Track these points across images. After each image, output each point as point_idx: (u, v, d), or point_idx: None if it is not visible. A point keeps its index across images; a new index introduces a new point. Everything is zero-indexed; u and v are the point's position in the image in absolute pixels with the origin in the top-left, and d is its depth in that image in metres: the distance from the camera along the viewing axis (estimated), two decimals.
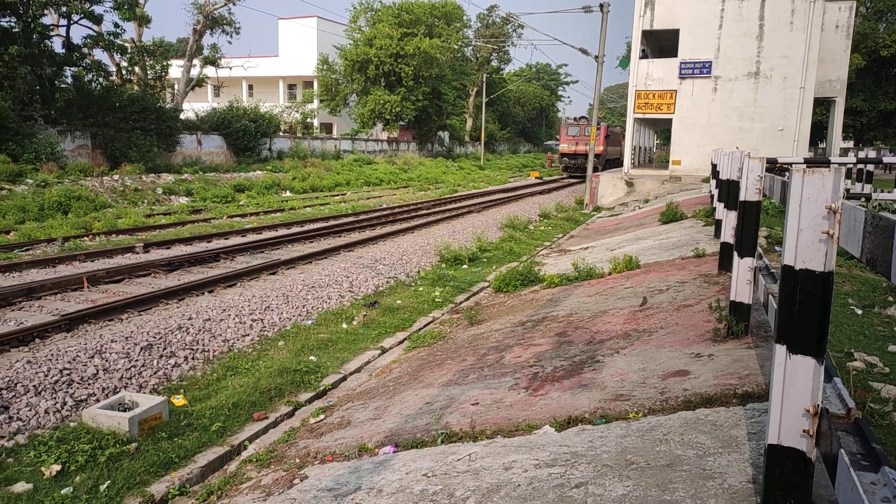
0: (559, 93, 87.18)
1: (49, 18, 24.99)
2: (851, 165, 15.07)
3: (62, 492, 4.45)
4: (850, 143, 50.24)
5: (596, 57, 24.86)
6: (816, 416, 2.29)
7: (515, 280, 9.93)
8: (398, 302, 9.83)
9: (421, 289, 10.74)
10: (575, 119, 47.11)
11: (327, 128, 52.78)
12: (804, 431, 2.31)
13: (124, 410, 5.40)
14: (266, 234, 15.44)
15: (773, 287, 4.15)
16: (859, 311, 5.53)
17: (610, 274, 8.95)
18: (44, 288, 9.36)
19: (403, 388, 5.83)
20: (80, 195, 18.51)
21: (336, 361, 7.31)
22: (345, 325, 8.65)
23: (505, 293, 9.79)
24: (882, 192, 13.70)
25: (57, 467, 4.72)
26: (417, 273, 12.00)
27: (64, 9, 24.71)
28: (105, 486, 4.55)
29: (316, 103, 48.26)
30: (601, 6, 24.14)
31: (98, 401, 5.93)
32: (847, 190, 14.62)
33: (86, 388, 6.15)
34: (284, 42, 54.06)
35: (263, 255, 12.82)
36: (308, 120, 44.73)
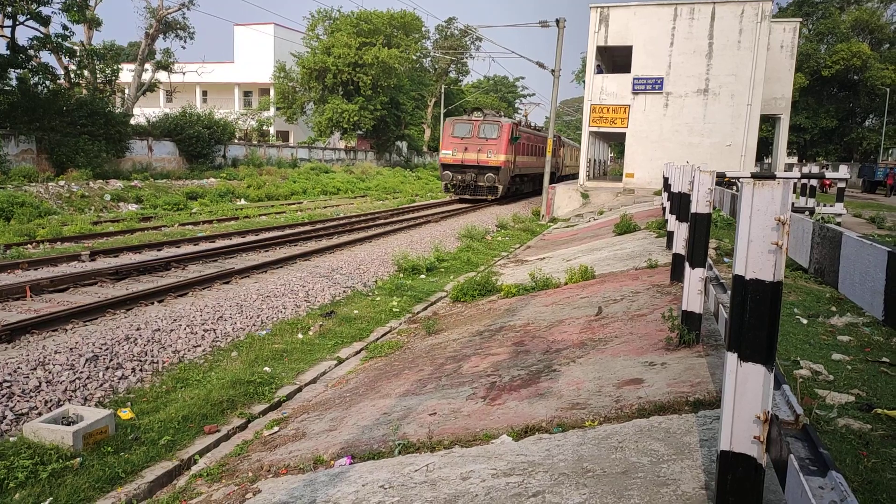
0: (516, 105, 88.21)
1: None
2: (796, 180, 15.63)
3: None
4: (794, 159, 52.20)
5: (552, 70, 25.25)
6: (767, 423, 2.34)
7: (473, 290, 9.95)
8: (355, 312, 9.74)
9: (378, 299, 10.67)
10: (467, 112, 30.93)
11: (284, 136, 52.21)
12: (755, 438, 2.36)
13: (68, 424, 5.19)
14: (219, 243, 15.13)
15: (723, 297, 4.26)
16: (805, 321, 5.71)
17: (566, 284, 9.05)
18: None
19: (360, 399, 5.77)
20: (24, 201, 17.86)
21: (291, 372, 7.18)
22: (300, 336, 8.52)
23: (463, 303, 9.81)
24: (825, 206, 14.23)
25: None
26: (375, 283, 11.92)
27: (9, 9, 23.89)
28: (47, 502, 4.36)
29: (272, 111, 47.72)
30: (557, 21, 24.55)
31: (40, 414, 5.70)
32: (791, 204, 15.13)
33: (27, 401, 5.90)
34: (240, 48, 53.39)
35: (217, 264, 12.55)
36: (264, 127, 44.19)
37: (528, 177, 33.35)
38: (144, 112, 32.32)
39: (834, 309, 6.18)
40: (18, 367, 6.34)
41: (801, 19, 34.73)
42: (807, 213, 13.42)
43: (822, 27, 50.47)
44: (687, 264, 4.90)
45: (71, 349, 6.93)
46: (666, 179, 13.36)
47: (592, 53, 27.15)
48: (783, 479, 2.15)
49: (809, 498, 1.87)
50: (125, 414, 5.80)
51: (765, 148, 42.66)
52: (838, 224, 11.39)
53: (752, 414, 2.36)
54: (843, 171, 13.92)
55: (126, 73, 32.81)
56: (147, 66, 31.62)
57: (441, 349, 6.98)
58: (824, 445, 2.15)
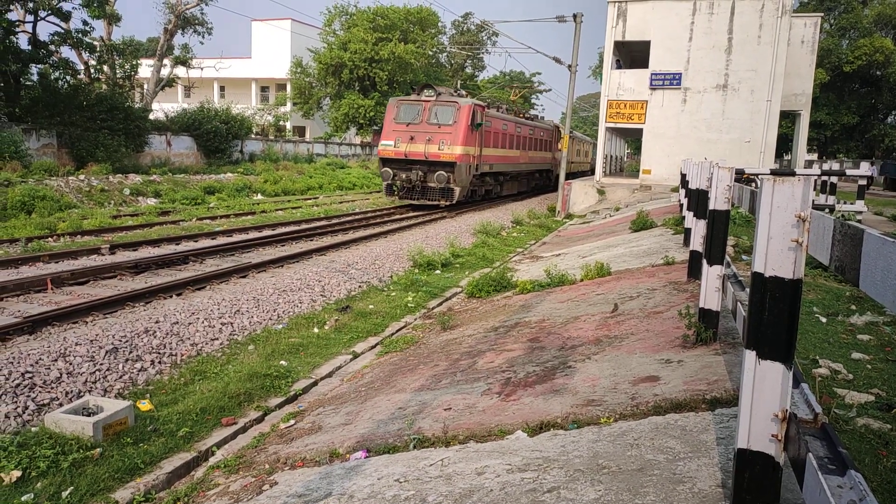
0: (532, 101, 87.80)
1: (15, 14, 24.44)
2: (816, 177, 15.45)
3: (22, 498, 4.33)
4: (815, 156, 51.55)
5: (569, 66, 25.11)
6: (785, 421, 2.33)
7: (488, 286, 9.95)
8: (370, 307, 9.78)
9: (394, 294, 10.70)
10: (415, 90, 23.18)
11: (300, 131, 52.44)
12: (773, 436, 2.35)
13: (88, 415, 5.27)
14: (237, 237, 15.25)
15: (741, 294, 4.23)
16: (824, 320, 5.65)
17: (582, 280, 9.02)
18: (6, 289, 9.11)
19: (375, 394, 5.80)
20: (45, 195, 18.09)
21: (307, 366, 7.24)
22: (316, 330, 8.58)
23: (478, 299, 9.81)
24: (845, 203, 14.05)
25: (17, 473, 4.58)
26: (390, 278, 11.96)
27: (31, 4, 24.19)
28: (68, 492, 4.43)
29: (289, 106, 47.96)
30: (575, 16, 24.40)
31: (61, 405, 5.79)
32: (812, 201, 14.96)
33: (49, 391, 6.00)
34: (257, 44, 53.69)
35: (234, 258, 12.65)
36: (281, 123, 44.44)
37: (506, 175, 27.23)
38: (163, 107, 32.64)
39: (854, 308, 6.11)
40: (40, 359, 6.44)
41: (822, 14, 34.27)
42: (827, 210, 13.27)
43: (843, 22, 49.72)
44: (704, 261, 4.87)
45: (91, 341, 7.03)
46: (683, 176, 13.26)
47: (610, 48, 26.95)
48: (801, 477, 2.14)
49: (828, 497, 1.85)
50: (144, 405, 5.88)
51: (784, 145, 42.17)
52: (859, 222, 11.25)
53: (770, 412, 2.35)
54: (865, 168, 13.74)
55: (145, 69, 33.12)
56: (166, 61, 31.88)
57: (456, 345, 6.99)
58: (843, 444, 2.14)
